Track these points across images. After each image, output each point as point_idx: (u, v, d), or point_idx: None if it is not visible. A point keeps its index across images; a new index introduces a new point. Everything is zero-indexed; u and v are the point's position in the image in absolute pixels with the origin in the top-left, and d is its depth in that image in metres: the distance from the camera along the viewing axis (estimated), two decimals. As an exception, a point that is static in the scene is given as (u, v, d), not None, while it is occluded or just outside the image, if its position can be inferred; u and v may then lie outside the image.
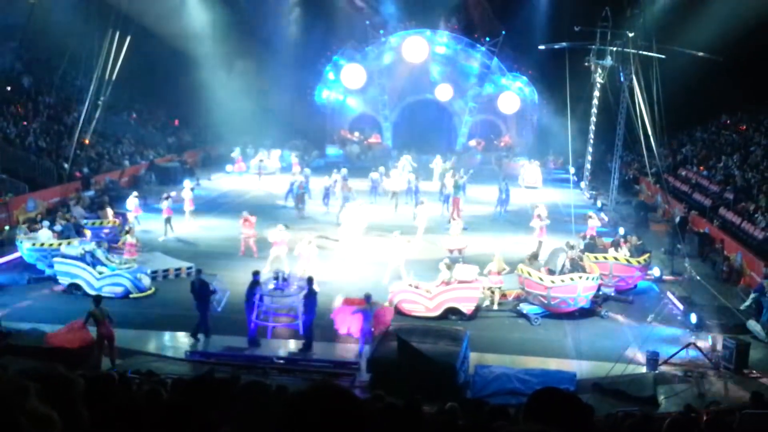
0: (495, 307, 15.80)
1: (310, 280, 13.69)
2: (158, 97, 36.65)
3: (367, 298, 13.33)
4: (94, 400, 3.02)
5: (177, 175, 29.69)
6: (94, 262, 15.80)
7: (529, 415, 2.41)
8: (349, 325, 13.23)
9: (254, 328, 13.48)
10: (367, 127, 39.84)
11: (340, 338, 13.89)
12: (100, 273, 15.66)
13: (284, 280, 14.07)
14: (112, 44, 24.08)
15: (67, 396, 2.28)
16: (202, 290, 13.55)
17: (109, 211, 20.61)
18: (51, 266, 16.35)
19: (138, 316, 14.66)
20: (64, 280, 15.77)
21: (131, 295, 15.60)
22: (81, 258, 15.76)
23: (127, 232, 17.73)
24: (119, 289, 15.57)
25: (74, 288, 15.67)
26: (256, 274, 13.83)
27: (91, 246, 16.21)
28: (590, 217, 21.77)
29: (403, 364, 11.23)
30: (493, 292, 15.86)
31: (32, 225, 17.84)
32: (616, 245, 17.94)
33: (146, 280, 16.01)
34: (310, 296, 13.38)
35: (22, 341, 12.10)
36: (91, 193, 24.31)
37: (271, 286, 13.99)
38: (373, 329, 12.99)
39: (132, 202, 21.19)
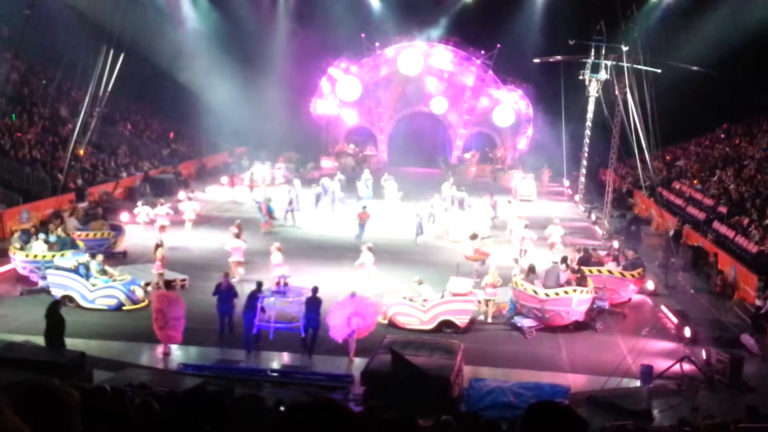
0: (489, 320, 15.81)
1: (314, 290, 13.92)
2: (153, 108, 36.71)
3: (351, 295, 13.74)
4: (87, 413, 3.01)
5: (172, 186, 29.65)
6: (88, 273, 15.73)
7: (526, 429, 2.40)
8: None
9: (255, 332, 13.72)
10: (361, 140, 39.95)
11: (334, 351, 13.86)
12: (94, 285, 15.60)
13: (285, 285, 14.74)
14: (107, 56, 24.13)
15: (62, 408, 2.27)
16: (230, 294, 14.10)
17: (104, 222, 20.50)
18: (44, 278, 16.29)
19: (131, 328, 14.58)
20: (57, 292, 15.69)
21: (124, 307, 15.54)
22: (74, 270, 15.70)
23: (159, 246, 17.22)
24: (112, 302, 15.52)
25: (67, 300, 15.59)
26: (259, 284, 14.15)
27: (85, 258, 16.15)
28: (554, 224, 21.64)
29: (397, 378, 11.20)
30: (487, 305, 15.87)
31: (26, 236, 17.74)
32: (615, 259, 18.00)
33: (139, 292, 15.95)
34: (313, 302, 13.66)
35: (15, 354, 11.99)
36: (84, 204, 24.24)
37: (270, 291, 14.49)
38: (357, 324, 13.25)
39: (143, 210, 21.83)
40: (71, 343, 13.25)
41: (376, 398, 10.28)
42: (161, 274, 16.79)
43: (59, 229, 18.28)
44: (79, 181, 26.20)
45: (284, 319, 14.34)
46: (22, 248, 17.19)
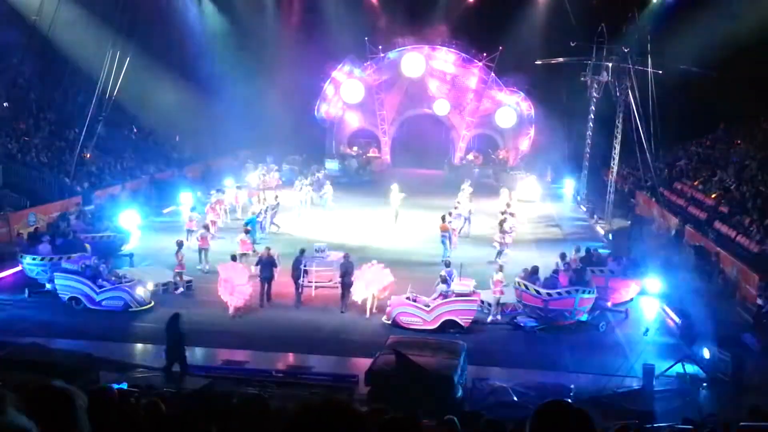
0: (494, 318, 15.87)
1: (346, 255, 16.53)
2: (159, 111, 36.79)
3: (369, 265, 16.20)
4: (94, 414, 3.11)
5: (177, 189, 29.69)
6: (95, 275, 15.88)
7: (536, 428, 2.39)
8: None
9: (300, 291, 16.32)
10: (365, 142, 40.04)
11: (339, 351, 13.99)
12: (100, 287, 15.73)
13: (322, 250, 17.76)
14: (113, 61, 24.30)
15: (69, 409, 2.35)
16: (271, 264, 16.24)
17: (109, 225, 20.51)
18: (51, 280, 16.45)
19: (137, 329, 14.75)
20: (64, 294, 15.84)
21: (131, 309, 15.67)
22: (81, 272, 15.85)
23: (206, 239, 18.14)
24: (119, 303, 15.65)
25: (74, 302, 15.73)
26: (302, 250, 16.83)
27: (92, 260, 16.30)
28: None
29: (401, 378, 11.27)
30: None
31: (32, 239, 17.85)
32: (617, 259, 18.03)
33: (146, 294, 16.07)
34: (346, 266, 16.02)
35: (22, 355, 12.11)
36: (91, 207, 24.37)
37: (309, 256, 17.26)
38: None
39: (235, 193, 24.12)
40: (77, 344, 13.42)
41: (380, 398, 10.39)
42: (180, 274, 17.14)
43: (66, 232, 18.43)
44: (86, 185, 26.37)
45: (323, 280, 17.23)
46: (28, 251, 17.29)
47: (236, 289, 15.34)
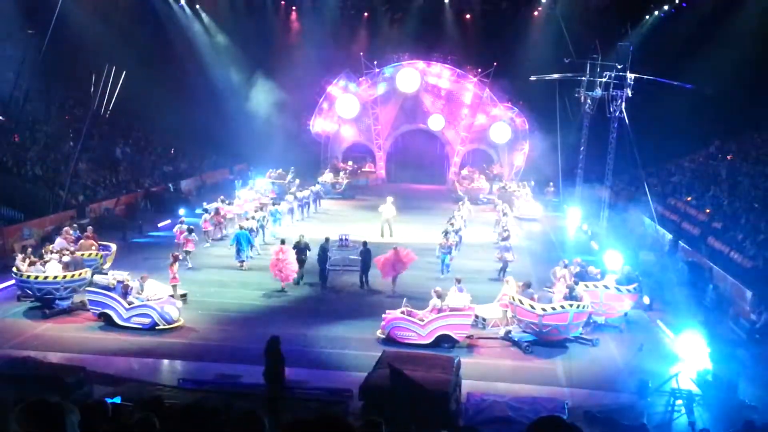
0: (509, 328, 15.90)
1: (364, 243, 19.10)
2: (154, 125, 36.91)
3: (393, 248, 18.60)
4: (87, 428, 3.11)
5: (172, 203, 29.72)
6: (125, 292, 15.72)
7: None
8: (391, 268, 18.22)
9: (326, 273, 19.03)
10: (358, 156, 40.09)
11: (333, 365, 13.97)
12: (130, 303, 15.53)
13: (346, 239, 20.72)
14: (108, 75, 24.39)
15: (62, 424, 2.35)
16: (305, 248, 19.23)
17: (93, 243, 19.52)
18: (63, 299, 16.31)
19: (131, 344, 14.68)
20: (95, 309, 15.70)
21: (158, 327, 15.36)
22: (112, 288, 15.76)
23: (177, 260, 17.86)
24: (146, 320, 15.36)
25: (103, 318, 15.57)
26: (327, 239, 19.50)
27: (124, 275, 16.34)
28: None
29: (395, 392, 11.25)
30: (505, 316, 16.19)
31: (32, 257, 17.30)
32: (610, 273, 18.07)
33: (174, 312, 15.66)
34: (366, 253, 18.83)
35: (16, 370, 12.06)
36: (85, 221, 24.27)
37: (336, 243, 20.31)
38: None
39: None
40: (72, 357, 13.36)
41: (374, 413, 10.36)
42: (175, 287, 17.08)
43: (55, 246, 18.24)
44: (80, 198, 26.32)
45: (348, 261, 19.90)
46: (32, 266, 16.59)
47: (285, 267, 18.28)
